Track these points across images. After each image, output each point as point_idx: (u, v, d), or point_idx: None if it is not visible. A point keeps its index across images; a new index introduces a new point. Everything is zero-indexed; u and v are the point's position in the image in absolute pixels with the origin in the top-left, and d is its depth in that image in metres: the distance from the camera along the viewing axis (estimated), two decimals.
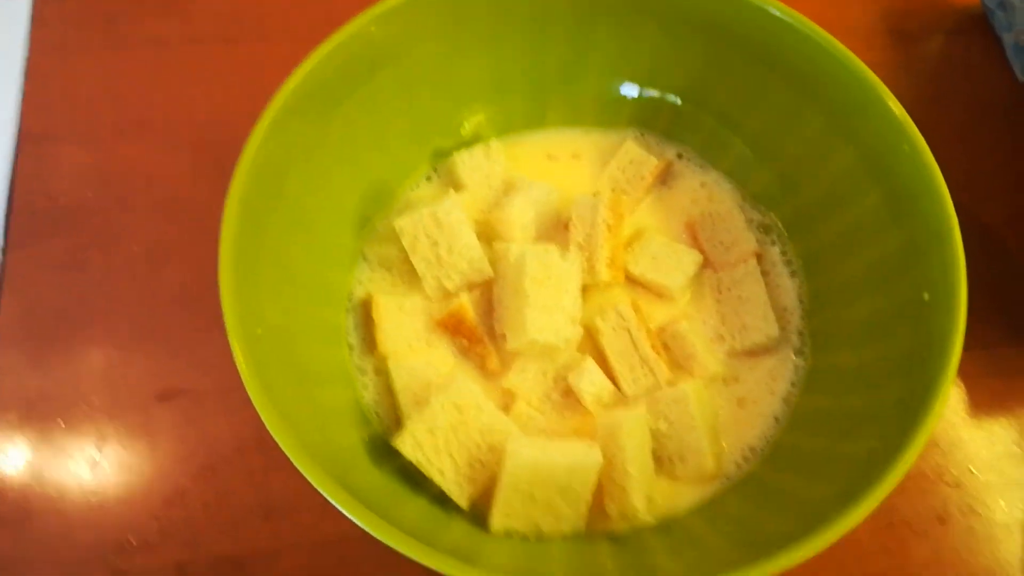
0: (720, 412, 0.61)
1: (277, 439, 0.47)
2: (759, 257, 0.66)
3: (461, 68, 0.66)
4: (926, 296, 0.53)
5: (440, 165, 0.70)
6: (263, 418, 0.47)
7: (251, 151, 0.54)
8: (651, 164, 0.69)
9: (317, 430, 0.54)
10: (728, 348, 0.63)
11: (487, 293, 0.64)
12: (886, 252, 0.58)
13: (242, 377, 0.48)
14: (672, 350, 0.62)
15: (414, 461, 0.55)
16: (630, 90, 0.70)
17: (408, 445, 0.55)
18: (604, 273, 0.62)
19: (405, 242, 0.62)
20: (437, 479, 0.55)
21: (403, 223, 0.62)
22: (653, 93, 0.70)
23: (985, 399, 0.67)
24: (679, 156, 0.71)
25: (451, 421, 0.56)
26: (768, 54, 0.62)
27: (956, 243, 0.51)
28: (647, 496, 0.56)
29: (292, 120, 0.57)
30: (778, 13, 0.60)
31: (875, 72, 0.82)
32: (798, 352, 0.63)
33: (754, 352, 0.63)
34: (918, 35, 0.86)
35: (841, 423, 0.55)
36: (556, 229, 0.67)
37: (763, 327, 0.62)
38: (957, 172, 0.68)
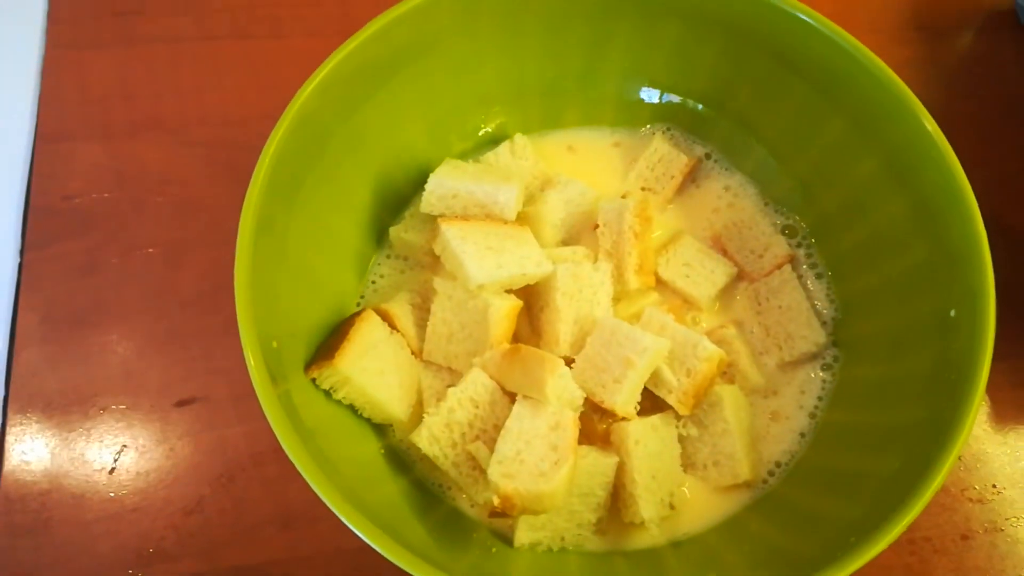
0: (754, 424, 0.60)
1: (293, 459, 0.46)
2: (791, 261, 0.65)
3: (480, 71, 0.65)
4: (953, 313, 0.51)
5: None
6: (278, 435, 0.47)
7: (267, 159, 0.53)
8: (681, 162, 0.67)
9: (332, 443, 0.53)
10: (777, 360, 0.62)
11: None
12: (912, 264, 0.56)
13: (259, 398, 0.48)
14: None
15: (430, 456, 0.55)
16: (650, 94, 0.69)
17: (425, 439, 0.55)
18: (633, 280, 0.61)
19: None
20: (452, 473, 0.56)
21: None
22: (673, 98, 0.68)
23: (1010, 413, 0.66)
24: (707, 156, 0.70)
25: (468, 416, 0.56)
26: (791, 57, 0.60)
27: (985, 261, 0.50)
28: (660, 505, 0.56)
29: (308, 125, 0.56)
30: (802, 15, 0.58)
31: (902, 69, 0.80)
32: (826, 366, 0.62)
33: (801, 361, 0.62)
34: (947, 31, 0.84)
35: (866, 440, 0.54)
36: (586, 229, 0.66)
37: (809, 335, 0.61)
38: (983, 173, 0.66)
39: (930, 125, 0.54)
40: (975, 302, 0.50)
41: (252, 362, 0.48)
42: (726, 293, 0.65)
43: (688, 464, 0.58)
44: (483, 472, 0.54)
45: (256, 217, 0.52)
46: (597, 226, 0.64)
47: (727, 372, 0.61)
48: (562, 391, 0.54)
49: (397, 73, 0.60)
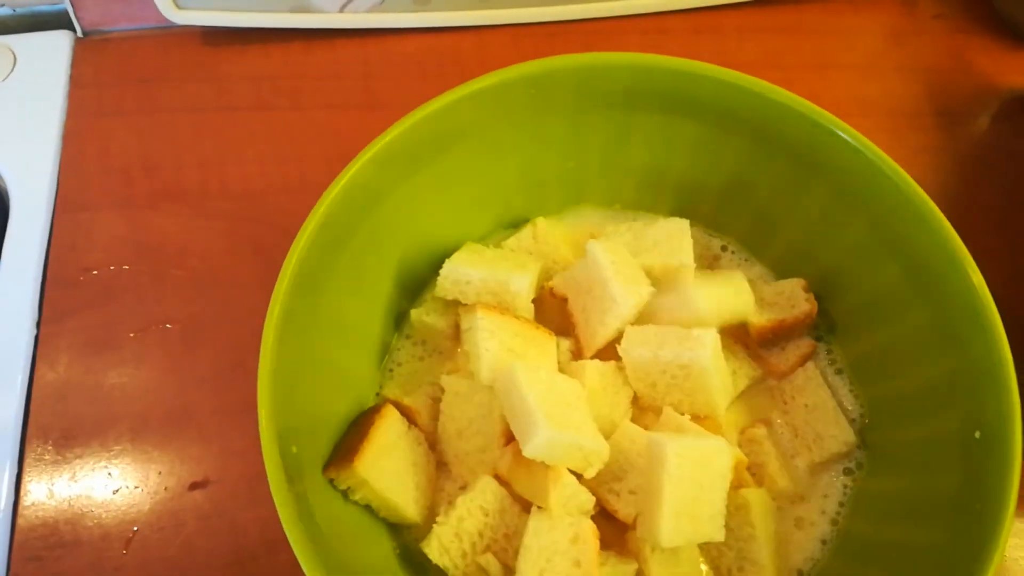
0: (778, 530, 0.60)
1: (304, 565, 0.46)
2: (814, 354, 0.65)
3: (503, 162, 0.65)
4: (977, 435, 0.51)
5: None
6: (290, 539, 0.47)
7: (292, 262, 0.53)
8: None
9: (346, 543, 0.53)
10: (807, 462, 0.61)
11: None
12: (935, 377, 0.56)
13: (276, 502, 0.48)
14: (747, 456, 0.60)
15: (441, 566, 0.55)
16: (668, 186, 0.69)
17: (435, 550, 0.54)
18: None
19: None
20: None
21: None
22: (692, 190, 0.69)
23: None
24: (723, 248, 0.70)
25: (477, 525, 0.55)
26: (813, 159, 0.61)
27: (1010, 383, 0.50)
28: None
29: (333, 224, 0.56)
30: (824, 122, 0.58)
31: (919, 155, 0.82)
32: (847, 471, 0.61)
33: (831, 462, 0.61)
34: (963, 117, 0.85)
35: (888, 559, 0.54)
36: None
37: (838, 434, 0.61)
38: (1000, 266, 0.67)
39: (953, 240, 0.54)
40: (1000, 421, 0.49)
41: (271, 468, 0.48)
42: (747, 390, 0.64)
43: (710, 569, 0.58)
44: None
45: (281, 317, 0.52)
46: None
47: (756, 474, 0.61)
48: (568, 500, 0.54)
49: (422, 167, 0.61)
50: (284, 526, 0.47)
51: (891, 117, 0.84)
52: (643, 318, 0.61)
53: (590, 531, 0.53)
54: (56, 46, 0.84)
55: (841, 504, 0.60)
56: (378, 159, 0.57)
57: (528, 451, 0.52)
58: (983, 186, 0.81)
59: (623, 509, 0.56)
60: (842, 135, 0.58)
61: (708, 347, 0.56)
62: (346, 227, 0.57)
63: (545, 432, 0.51)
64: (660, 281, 0.63)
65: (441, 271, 0.62)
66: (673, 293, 0.62)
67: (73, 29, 0.85)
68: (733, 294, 0.60)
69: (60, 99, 0.82)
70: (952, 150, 0.83)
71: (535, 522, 0.53)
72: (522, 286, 0.61)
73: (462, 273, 0.62)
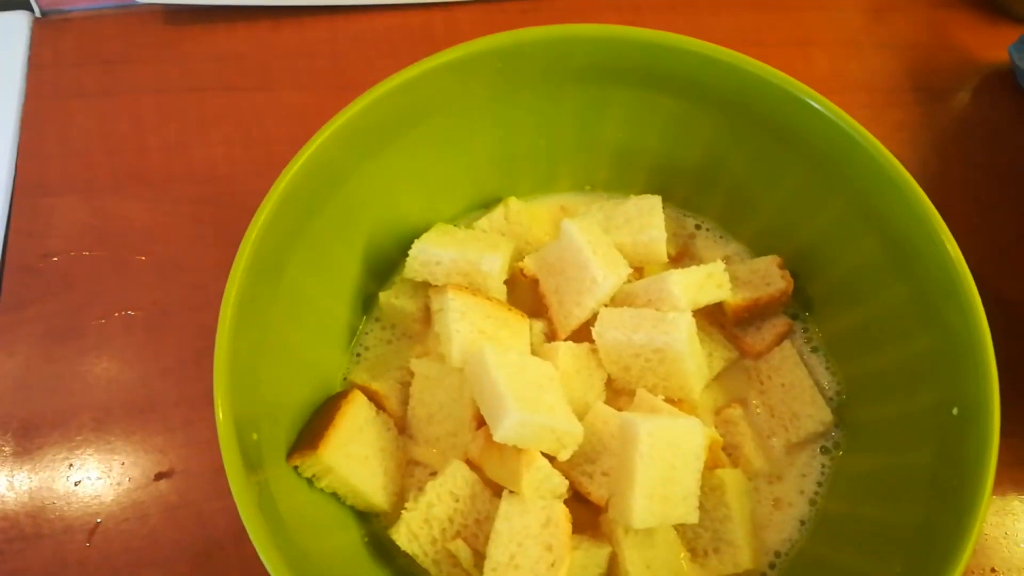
0: (756, 511, 0.59)
1: (263, 557, 0.45)
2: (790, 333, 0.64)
3: (473, 139, 0.63)
4: (955, 412, 0.50)
5: None
6: (249, 532, 0.45)
7: (251, 240, 0.51)
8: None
9: (312, 533, 0.52)
10: (784, 442, 0.60)
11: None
12: (912, 354, 0.55)
13: (234, 493, 0.46)
14: (723, 436, 0.59)
15: (410, 553, 0.53)
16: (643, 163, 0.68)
17: (403, 536, 0.53)
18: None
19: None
20: (433, 571, 0.54)
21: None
22: (667, 167, 0.67)
23: (1009, 493, 0.65)
24: (697, 227, 0.69)
25: (447, 511, 0.54)
26: (789, 134, 0.59)
27: (988, 359, 0.49)
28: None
29: (295, 201, 0.54)
30: (801, 95, 0.57)
31: (897, 132, 0.80)
32: (825, 449, 0.60)
33: (807, 442, 0.60)
34: (943, 93, 0.84)
35: (866, 537, 0.53)
36: None
37: (815, 413, 0.60)
38: (980, 242, 0.66)
39: (932, 214, 0.53)
40: (978, 398, 0.48)
41: (228, 457, 0.47)
42: (723, 370, 0.63)
43: (686, 551, 0.56)
44: (465, 571, 0.52)
45: (238, 301, 0.50)
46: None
47: (732, 455, 0.59)
48: (540, 484, 0.52)
49: (388, 144, 0.59)
50: (242, 516, 0.46)
51: (870, 93, 0.83)
52: (616, 300, 0.59)
53: (562, 514, 0.52)
54: (13, 26, 0.82)
55: (819, 484, 0.59)
56: (340, 135, 0.55)
57: (499, 435, 0.50)
58: (962, 161, 0.80)
59: (596, 491, 0.55)
60: (818, 107, 0.56)
61: (683, 331, 0.55)
62: (308, 206, 0.56)
63: (515, 415, 0.49)
64: (632, 257, 0.61)
65: (410, 252, 0.61)
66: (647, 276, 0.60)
67: (31, 9, 0.82)
68: (706, 276, 0.59)
69: (18, 81, 0.79)
70: (931, 125, 0.82)
71: (506, 506, 0.52)
72: (494, 267, 0.59)
73: (432, 254, 0.60)
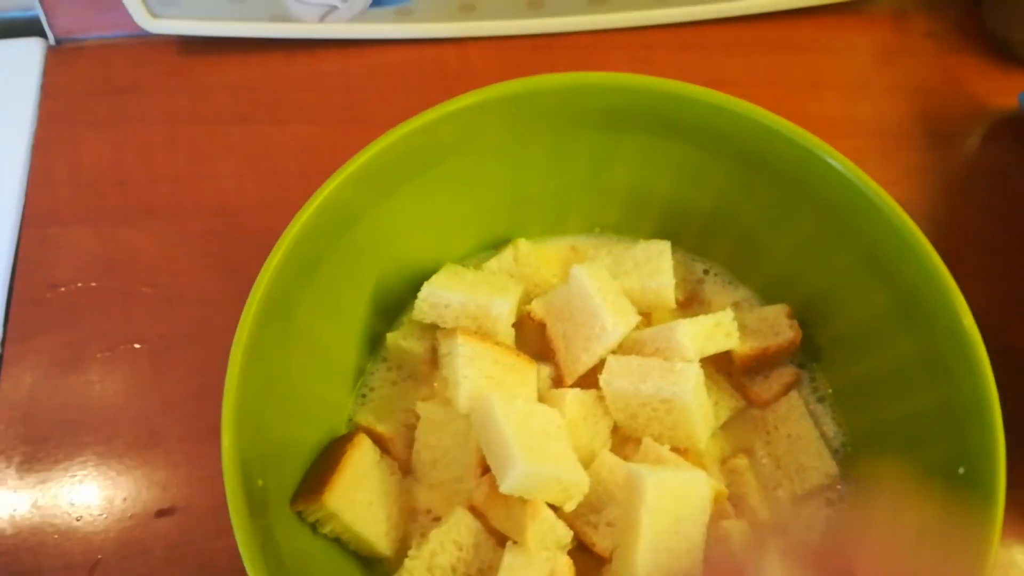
0: None
1: None
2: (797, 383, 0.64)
3: (485, 182, 0.63)
4: (961, 471, 0.50)
5: None
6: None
7: (261, 287, 0.51)
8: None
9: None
10: (790, 494, 0.60)
11: None
12: (919, 409, 0.55)
13: (237, 538, 0.46)
14: (728, 487, 0.59)
15: None
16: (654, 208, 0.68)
17: None
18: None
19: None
20: None
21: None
22: (677, 213, 0.67)
23: (1013, 545, 0.64)
24: (705, 272, 0.69)
25: (451, 559, 0.54)
26: (799, 184, 0.59)
27: (995, 421, 0.48)
28: None
29: (305, 245, 0.54)
30: (813, 148, 0.56)
31: (908, 176, 0.80)
32: (829, 501, 0.60)
33: (814, 494, 0.60)
34: (953, 137, 0.84)
35: None
36: None
37: (820, 466, 0.59)
38: (986, 289, 0.65)
39: (942, 273, 0.52)
40: (984, 466, 0.48)
41: (233, 502, 0.47)
42: (733, 424, 0.63)
43: None
44: None
45: (248, 346, 0.50)
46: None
47: (737, 505, 0.59)
48: (544, 536, 0.52)
49: (402, 186, 0.59)
50: (245, 562, 0.45)
51: (881, 137, 0.83)
52: (624, 347, 0.59)
53: (566, 566, 0.52)
54: (27, 54, 0.82)
55: (823, 537, 0.59)
56: (355, 178, 0.55)
57: (505, 487, 0.50)
58: (971, 206, 0.80)
59: (600, 542, 0.54)
60: (830, 160, 0.56)
61: (691, 382, 0.54)
62: (320, 248, 0.56)
63: (522, 467, 0.49)
64: (640, 303, 0.61)
65: (420, 294, 0.61)
66: (656, 325, 0.60)
67: (45, 37, 0.83)
68: (714, 326, 0.59)
69: (30, 109, 0.80)
70: (941, 170, 0.82)
71: (510, 557, 0.52)
72: (503, 311, 0.59)
73: (441, 296, 0.60)
